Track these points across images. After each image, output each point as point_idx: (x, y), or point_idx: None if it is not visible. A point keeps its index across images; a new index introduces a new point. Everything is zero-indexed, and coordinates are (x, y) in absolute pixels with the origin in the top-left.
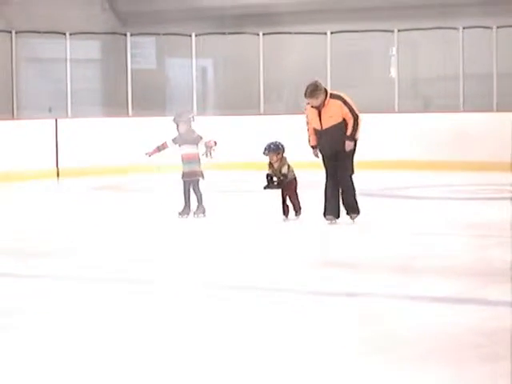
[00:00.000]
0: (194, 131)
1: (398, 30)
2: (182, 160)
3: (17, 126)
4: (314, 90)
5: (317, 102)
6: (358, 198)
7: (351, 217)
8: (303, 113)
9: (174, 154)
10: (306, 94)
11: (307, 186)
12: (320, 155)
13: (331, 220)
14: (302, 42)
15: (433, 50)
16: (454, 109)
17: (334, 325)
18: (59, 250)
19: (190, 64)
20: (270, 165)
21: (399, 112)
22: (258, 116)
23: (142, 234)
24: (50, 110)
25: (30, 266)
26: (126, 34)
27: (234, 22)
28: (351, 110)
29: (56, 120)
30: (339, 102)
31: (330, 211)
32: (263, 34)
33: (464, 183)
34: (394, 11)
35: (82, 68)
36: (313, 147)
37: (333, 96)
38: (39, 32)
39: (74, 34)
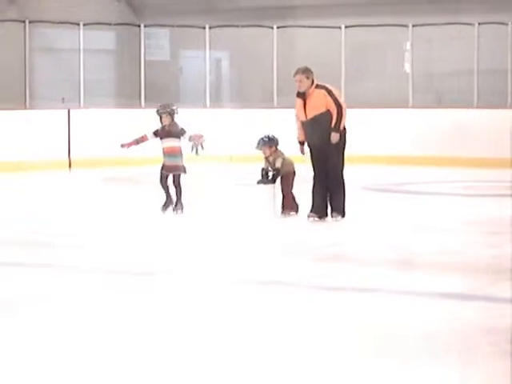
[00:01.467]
0: (177, 124)
1: (413, 25)
2: (164, 153)
3: (30, 116)
4: (306, 69)
5: (305, 84)
6: (359, 196)
7: (333, 216)
8: None
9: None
10: (296, 72)
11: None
12: (307, 150)
13: (313, 218)
14: (316, 36)
15: (447, 46)
16: (467, 105)
17: (339, 321)
18: (69, 241)
19: (204, 56)
20: (266, 159)
21: (413, 107)
22: (271, 109)
23: (149, 226)
24: (62, 101)
25: (39, 257)
26: (139, 25)
27: (248, 14)
28: (335, 101)
29: (69, 110)
30: (323, 92)
31: (315, 209)
32: (277, 27)
33: (476, 179)
34: (408, 5)
35: (95, 59)
36: (300, 143)
37: (318, 86)
38: (53, 22)
39: (88, 24)
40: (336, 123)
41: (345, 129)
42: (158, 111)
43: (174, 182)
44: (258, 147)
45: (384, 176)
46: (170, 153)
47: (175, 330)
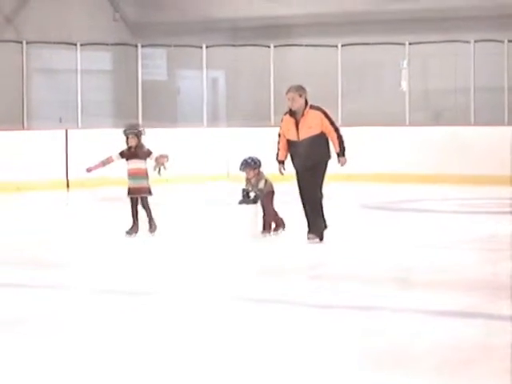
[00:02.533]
0: (143, 145)
1: (409, 43)
2: (129, 175)
3: (27, 136)
4: (299, 87)
5: (298, 102)
6: (357, 214)
7: (309, 237)
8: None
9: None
10: (289, 90)
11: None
12: (292, 170)
13: (313, 239)
14: (312, 55)
15: (444, 63)
16: (464, 122)
17: (340, 338)
18: (66, 260)
19: (201, 75)
20: (248, 180)
21: (410, 125)
22: (268, 128)
23: (147, 246)
24: (60, 121)
25: (36, 277)
26: (136, 45)
27: (245, 33)
28: (332, 124)
29: (66, 131)
30: (320, 114)
31: (313, 230)
32: (274, 46)
33: (474, 197)
34: (405, 24)
35: (92, 79)
36: (280, 162)
37: (313, 107)
38: (50, 42)
39: (85, 44)
40: (341, 147)
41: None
42: (124, 131)
43: (142, 204)
44: (241, 169)
45: (382, 194)
46: (134, 175)
47: (169, 347)
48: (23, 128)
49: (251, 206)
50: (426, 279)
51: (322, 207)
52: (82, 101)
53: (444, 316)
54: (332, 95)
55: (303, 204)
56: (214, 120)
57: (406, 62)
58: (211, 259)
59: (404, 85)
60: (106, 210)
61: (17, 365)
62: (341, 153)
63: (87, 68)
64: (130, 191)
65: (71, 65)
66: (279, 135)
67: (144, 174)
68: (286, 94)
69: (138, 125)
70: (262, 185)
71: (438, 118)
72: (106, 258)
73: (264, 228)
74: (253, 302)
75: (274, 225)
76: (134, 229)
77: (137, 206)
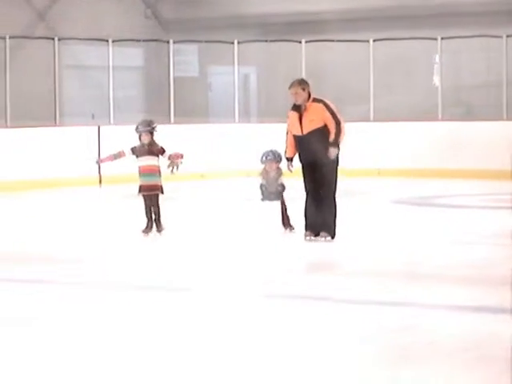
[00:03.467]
0: (156, 143)
1: (442, 38)
2: (140, 172)
3: (59, 133)
4: (302, 81)
5: (302, 96)
6: (384, 210)
7: (321, 235)
8: (345, 121)
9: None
10: (292, 85)
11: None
12: (300, 165)
13: (310, 237)
14: (344, 50)
15: (476, 58)
16: (497, 117)
17: (369, 334)
18: (98, 256)
19: (233, 71)
20: (264, 173)
21: (442, 120)
22: None
23: (177, 241)
24: (92, 117)
25: (56, 272)
26: (168, 42)
27: (276, 29)
28: (333, 115)
29: (99, 127)
30: (321, 106)
31: (310, 227)
32: (306, 42)
33: (506, 192)
34: (437, 19)
35: (124, 75)
36: (288, 159)
37: (315, 100)
38: (82, 39)
39: (117, 40)
40: (335, 138)
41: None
42: (136, 129)
43: (152, 202)
44: (263, 161)
45: (413, 189)
46: (146, 172)
47: (197, 342)
48: (56, 124)
49: (274, 203)
50: (457, 274)
51: (335, 203)
52: (114, 97)
53: (473, 312)
54: (364, 90)
55: (306, 199)
56: (245, 116)
57: (438, 57)
58: (236, 256)
59: (436, 80)
60: (138, 207)
61: (47, 360)
62: (332, 143)
63: (119, 64)
64: (142, 189)
65: (103, 61)
66: (287, 132)
67: (156, 172)
68: (289, 88)
69: (151, 121)
70: (282, 180)
71: (470, 113)
72: (134, 253)
73: (284, 224)
74: (281, 299)
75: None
76: (149, 227)
77: (152, 202)
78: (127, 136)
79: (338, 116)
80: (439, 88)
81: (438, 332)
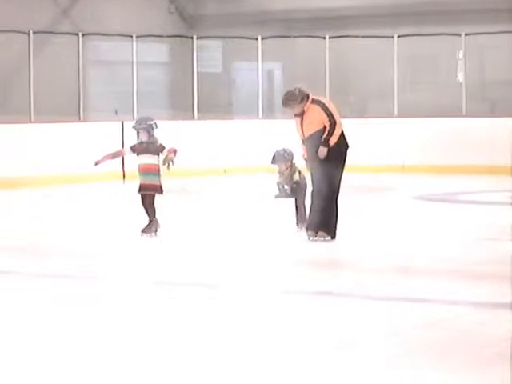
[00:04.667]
0: (156, 140)
1: (466, 34)
2: (139, 171)
3: (83, 128)
4: (287, 99)
5: (294, 110)
6: (411, 205)
7: (320, 235)
8: (368, 117)
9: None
10: (283, 104)
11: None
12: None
13: (312, 237)
14: (368, 46)
15: (500, 54)
16: None
17: (393, 330)
18: (119, 251)
19: (256, 67)
20: (281, 173)
21: (466, 116)
22: None
23: (191, 237)
24: (116, 113)
25: (86, 268)
26: (192, 37)
27: (300, 25)
28: (329, 116)
29: (122, 122)
30: (318, 108)
31: (312, 227)
32: (330, 38)
33: None
34: (461, 15)
35: (148, 71)
36: (305, 160)
37: (313, 101)
38: (106, 34)
39: (141, 36)
40: (326, 137)
41: (346, 145)
42: (134, 126)
43: (148, 201)
44: (273, 162)
45: (437, 185)
46: (145, 170)
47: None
48: (79, 120)
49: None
50: (479, 271)
51: (336, 203)
52: (137, 92)
53: (499, 308)
54: (388, 86)
55: (312, 200)
56: (269, 112)
57: (462, 53)
58: (249, 253)
59: (460, 76)
60: (162, 201)
61: (60, 353)
62: (322, 143)
63: (143, 60)
64: (142, 188)
65: (127, 57)
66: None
67: (156, 171)
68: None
69: (149, 118)
70: (296, 177)
71: (494, 109)
72: (145, 249)
73: (298, 222)
74: (300, 295)
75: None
76: (151, 226)
77: (149, 202)
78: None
79: (335, 116)
80: (463, 84)
81: (460, 328)
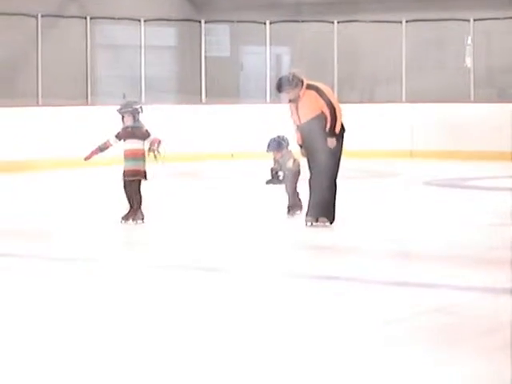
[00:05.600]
0: (141, 125)
1: (474, 20)
2: (125, 156)
3: (91, 112)
4: (281, 84)
5: (289, 96)
6: (420, 190)
7: (321, 220)
8: (377, 102)
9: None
10: (277, 89)
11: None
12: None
13: (310, 222)
14: (376, 30)
15: (508, 40)
16: None
17: (401, 316)
18: (130, 236)
19: (265, 52)
20: (276, 160)
21: (474, 101)
22: None
23: (212, 221)
24: (123, 97)
25: (86, 251)
26: (200, 21)
27: (308, 9)
28: (327, 102)
29: None
30: (314, 93)
31: (311, 212)
32: (338, 22)
33: None
34: (469, 0)
35: (156, 55)
36: (299, 145)
37: (308, 87)
38: (114, 18)
39: (149, 20)
40: (331, 127)
41: (343, 129)
42: (119, 110)
43: (132, 188)
44: (268, 149)
45: (446, 171)
46: (130, 156)
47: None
48: (87, 104)
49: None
50: (487, 257)
51: (335, 187)
52: (145, 77)
53: (506, 294)
54: (396, 71)
55: (310, 185)
56: (277, 96)
57: (470, 39)
58: (249, 239)
59: (468, 61)
60: (173, 185)
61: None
62: (329, 133)
63: (151, 44)
64: (126, 174)
65: (135, 40)
66: (293, 121)
67: (141, 156)
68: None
69: (134, 102)
70: (290, 164)
71: (502, 95)
72: (146, 234)
73: (290, 209)
74: (307, 279)
75: (288, 205)
76: (131, 214)
77: (135, 190)
78: (158, 115)
79: (333, 101)
80: (471, 69)
81: (469, 314)
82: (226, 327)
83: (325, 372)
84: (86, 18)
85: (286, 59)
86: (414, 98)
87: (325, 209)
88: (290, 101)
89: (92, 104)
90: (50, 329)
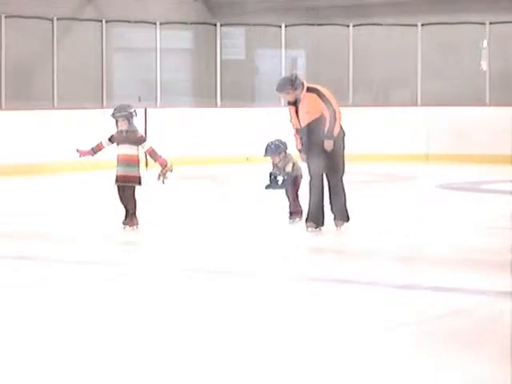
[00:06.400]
0: (136, 130)
1: (490, 23)
2: (118, 161)
3: (106, 115)
4: (283, 84)
5: (288, 97)
6: (433, 194)
7: (337, 224)
8: (392, 105)
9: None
10: (278, 90)
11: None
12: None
13: (312, 228)
14: (392, 34)
15: None
16: None
17: (414, 319)
18: (140, 238)
19: (280, 55)
20: (274, 165)
21: (490, 105)
22: (347, 107)
23: (224, 224)
24: (139, 100)
25: (93, 253)
26: (216, 25)
27: (324, 13)
28: (328, 104)
29: (145, 109)
30: (314, 96)
31: (311, 218)
32: (353, 26)
33: None
34: (485, 3)
35: (171, 58)
36: (299, 151)
37: (309, 89)
38: (130, 21)
39: (165, 23)
40: (329, 129)
41: (343, 131)
42: (113, 114)
43: (127, 194)
44: (266, 155)
45: (461, 174)
46: (123, 161)
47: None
48: (102, 107)
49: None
50: (500, 260)
51: (343, 188)
52: (161, 80)
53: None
54: (411, 75)
55: (310, 190)
56: None
57: (486, 42)
58: (258, 242)
59: (484, 65)
60: (186, 189)
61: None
62: (326, 135)
63: (166, 47)
64: (118, 179)
65: (151, 44)
66: (292, 125)
67: (135, 161)
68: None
69: (128, 106)
70: (289, 168)
71: None
72: (163, 238)
73: (291, 214)
74: (323, 282)
75: (290, 211)
76: (128, 220)
77: (130, 195)
78: (173, 118)
79: (334, 104)
80: (487, 73)
81: (484, 318)
82: (234, 330)
83: (335, 375)
84: (101, 21)
85: (301, 62)
86: (429, 102)
87: (338, 210)
88: (289, 103)
89: (107, 107)
90: (51, 329)
